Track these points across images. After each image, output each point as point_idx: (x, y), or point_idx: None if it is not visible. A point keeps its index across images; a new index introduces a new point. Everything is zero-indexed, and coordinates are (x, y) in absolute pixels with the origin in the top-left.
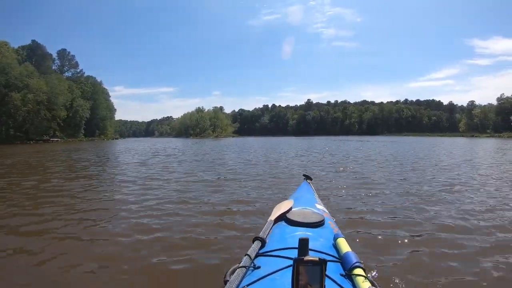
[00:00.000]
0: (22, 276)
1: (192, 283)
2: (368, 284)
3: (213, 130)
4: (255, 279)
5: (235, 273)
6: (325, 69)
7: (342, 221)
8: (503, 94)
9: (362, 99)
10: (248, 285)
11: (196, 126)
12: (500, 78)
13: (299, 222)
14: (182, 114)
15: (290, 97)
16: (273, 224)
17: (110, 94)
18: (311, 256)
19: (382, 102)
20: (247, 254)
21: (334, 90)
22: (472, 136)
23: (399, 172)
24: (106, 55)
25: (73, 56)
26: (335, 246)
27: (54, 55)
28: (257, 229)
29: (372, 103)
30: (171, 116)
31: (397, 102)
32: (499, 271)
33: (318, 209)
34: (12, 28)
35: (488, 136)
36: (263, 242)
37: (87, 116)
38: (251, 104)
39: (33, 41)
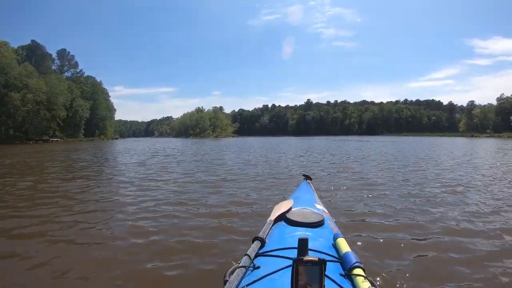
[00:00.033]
0: (14, 281)
1: None
2: (367, 284)
3: (212, 130)
4: (255, 279)
5: (235, 273)
6: (325, 69)
7: (344, 224)
8: (503, 94)
9: (362, 99)
10: (247, 285)
11: (196, 126)
12: (500, 78)
13: (299, 222)
14: (182, 114)
15: (290, 97)
16: (273, 224)
17: (110, 94)
18: (311, 256)
19: (382, 102)
20: (247, 254)
21: (334, 90)
22: (472, 136)
23: (400, 172)
24: (106, 55)
25: (73, 56)
26: (335, 246)
27: (54, 55)
28: (255, 232)
29: (372, 103)
30: (171, 116)
31: (397, 102)
32: (509, 277)
33: (318, 209)
34: (12, 28)
35: (488, 136)
36: (263, 242)
37: (86, 116)
38: (251, 104)
39: (33, 41)
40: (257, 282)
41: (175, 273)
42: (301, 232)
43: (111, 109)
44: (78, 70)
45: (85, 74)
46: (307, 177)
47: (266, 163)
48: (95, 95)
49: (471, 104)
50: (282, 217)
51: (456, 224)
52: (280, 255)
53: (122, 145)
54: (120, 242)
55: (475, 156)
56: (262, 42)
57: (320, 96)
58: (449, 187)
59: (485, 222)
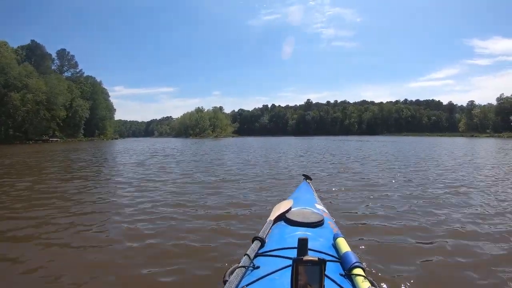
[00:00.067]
0: (8, 285)
1: None
2: (367, 284)
3: (212, 130)
4: (255, 279)
5: (235, 273)
6: (325, 69)
7: (345, 226)
8: (503, 94)
9: (361, 99)
10: (247, 285)
11: (195, 126)
12: (500, 78)
13: (299, 222)
14: (182, 114)
15: (290, 97)
16: (273, 224)
17: (110, 94)
18: (311, 256)
19: (381, 102)
20: (247, 254)
21: (334, 90)
22: (472, 136)
23: (401, 173)
24: (106, 55)
25: (73, 56)
26: (335, 246)
27: (54, 55)
28: (254, 234)
29: (372, 103)
30: (170, 116)
31: (397, 102)
32: None
33: (318, 209)
34: (12, 28)
35: (487, 136)
36: (263, 242)
37: (86, 116)
38: (251, 104)
39: (32, 41)
40: (257, 282)
41: (171, 279)
42: (301, 232)
43: (110, 109)
44: (78, 70)
45: (85, 74)
46: (307, 177)
47: (266, 163)
48: (94, 95)
49: (471, 104)
50: (282, 217)
51: (461, 227)
52: (280, 255)
53: (122, 145)
54: (116, 246)
55: (476, 156)
56: (262, 42)
57: (320, 96)
58: (452, 188)
59: (490, 224)
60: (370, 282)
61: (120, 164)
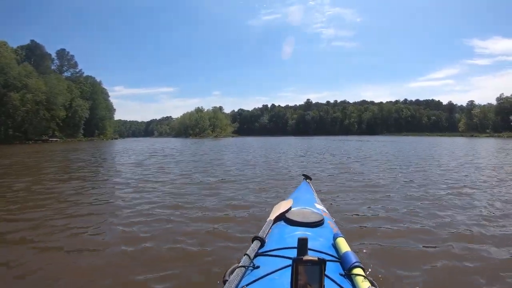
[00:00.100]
0: None
1: None
2: (367, 283)
3: (212, 130)
4: (254, 278)
5: (234, 273)
6: (325, 69)
7: (346, 229)
8: (503, 94)
9: (361, 99)
10: (247, 284)
11: (195, 126)
12: (500, 78)
13: (299, 221)
14: (182, 114)
15: (290, 97)
16: (273, 224)
17: (110, 94)
18: (310, 256)
19: (381, 102)
20: (246, 254)
21: (334, 90)
22: (472, 136)
23: (402, 173)
24: (106, 55)
25: (72, 56)
26: (335, 246)
27: (53, 55)
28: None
29: (372, 103)
30: (170, 116)
31: (397, 102)
32: None
33: (318, 209)
34: (11, 28)
35: (487, 136)
36: (262, 242)
37: (86, 116)
38: (251, 104)
39: (32, 41)
40: (256, 282)
41: (166, 286)
42: (301, 232)
43: (110, 109)
44: (77, 70)
45: (85, 74)
46: (306, 177)
47: (266, 163)
48: (94, 95)
49: (471, 104)
50: (282, 217)
51: (467, 229)
52: (280, 254)
53: (121, 145)
54: (112, 249)
55: (477, 156)
56: (262, 42)
57: (319, 96)
58: (455, 189)
59: (496, 226)
60: (370, 282)
61: (118, 164)
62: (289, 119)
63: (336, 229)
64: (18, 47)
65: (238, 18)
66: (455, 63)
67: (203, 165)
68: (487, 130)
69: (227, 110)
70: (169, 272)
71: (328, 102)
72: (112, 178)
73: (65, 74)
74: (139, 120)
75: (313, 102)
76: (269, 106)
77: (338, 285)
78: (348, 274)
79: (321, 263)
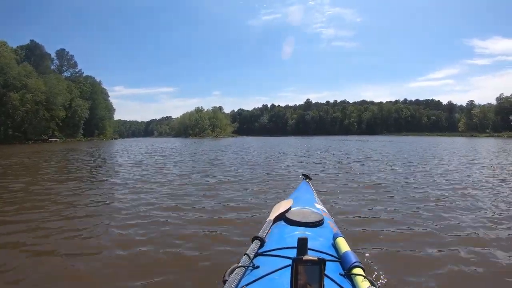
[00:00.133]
0: None
1: None
2: (367, 283)
3: (212, 130)
4: (254, 278)
5: (234, 273)
6: (325, 69)
7: (347, 232)
8: (502, 94)
9: (361, 99)
10: (247, 284)
11: (195, 126)
12: (500, 78)
13: (298, 221)
14: (182, 114)
15: (290, 97)
16: (272, 224)
17: (110, 94)
18: (310, 256)
19: (381, 102)
20: (246, 254)
21: (334, 90)
22: (472, 135)
23: (404, 173)
24: (105, 55)
25: (72, 56)
26: (334, 246)
27: (53, 55)
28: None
29: (372, 103)
30: (170, 116)
31: (397, 102)
32: None
33: (318, 209)
34: (11, 28)
35: (487, 136)
36: (262, 242)
37: (86, 116)
38: (251, 104)
39: (32, 41)
40: (256, 282)
41: None
42: (301, 232)
43: (110, 109)
44: (77, 70)
45: (84, 74)
46: (306, 177)
47: (265, 163)
48: (94, 95)
49: (471, 103)
50: (282, 217)
51: (472, 232)
52: (280, 254)
53: (121, 145)
54: (107, 253)
55: (478, 156)
56: (261, 42)
57: (319, 96)
58: (458, 190)
59: (502, 229)
60: (370, 282)
61: (117, 164)
62: (289, 119)
63: (336, 229)
64: (17, 47)
65: (238, 18)
66: (455, 63)
67: (202, 166)
68: (487, 130)
69: (227, 110)
70: (165, 277)
71: (328, 102)
72: (110, 178)
73: (65, 74)
74: (139, 120)
75: (313, 102)
76: (269, 106)
77: (338, 285)
78: (348, 274)
79: (321, 263)
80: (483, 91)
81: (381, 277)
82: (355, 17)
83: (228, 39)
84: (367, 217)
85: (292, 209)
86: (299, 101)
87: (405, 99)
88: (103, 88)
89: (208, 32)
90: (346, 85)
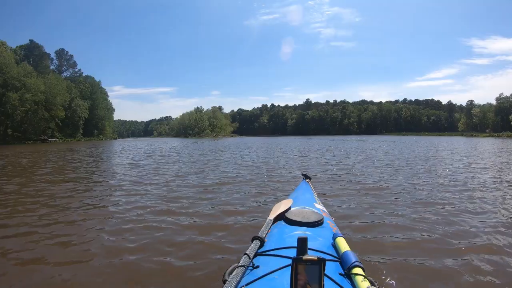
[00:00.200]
0: None
1: None
2: (367, 283)
3: (211, 130)
4: (254, 278)
5: (234, 273)
6: (324, 69)
7: (348, 237)
8: (502, 93)
9: (361, 99)
10: (247, 284)
11: (194, 126)
12: (499, 78)
13: (298, 221)
14: (181, 114)
15: (289, 97)
16: (272, 224)
17: (109, 94)
18: (310, 255)
19: (381, 102)
20: (246, 254)
21: (333, 90)
22: (472, 135)
23: (406, 174)
24: (105, 55)
25: (72, 55)
26: (334, 246)
27: (52, 55)
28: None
29: (371, 102)
30: (170, 116)
31: (396, 101)
32: None
33: (317, 209)
34: (10, 28)
35: (487, 136)
36: (262, 242)
37: (85, 116)
38: (250, 104)
39: (31, 40)
40: (256, 282)
41: None
42: (301, 232)
43: (109, 109)
44: (76, 70)
45: (84, 74)
46: (306, 177)
47: (264, 164)
48: (93, 95)
49: (470, 103)
50: (282, 217)
51: (485, 238)
52: (280, 254)
53: (120, 145)
54: (96, 262)
55: (480, 156)
56: (261, 42)
57: (319, 96)
58: (464, 191)
59: None
60: (369, 282)
61: (114, 165)
62: (289, 119)
63: (335, 229)
64: (17, 46)
65: (237, 18)
66: (454, 62)
67: (200, 166)
68: (487, 130)
69: (227, 110)
70: None
71: (327, 102)
72: (106, 180)
73: (64, 74)
74: (139, 120)
75: (313, 102)
76: (268, 106)
77: (338, 284)
78: (347, 274)
79: (321, 262)
80: (483, 91)
81: None
82: (354, 16)
83: (227, 39)
84: (371, 222)
85: (292, 209)
86: (299, 101)
87: (405, 99)
88: (103, 88)
89: (207, 32)
90: (345, 85)
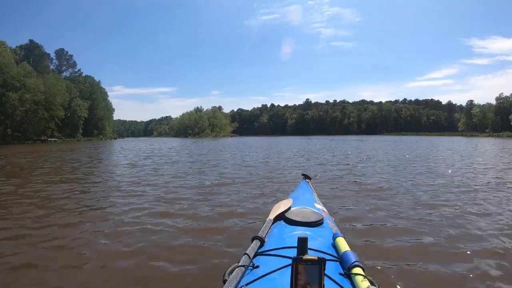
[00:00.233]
0: None
1: None
2: (367, 283)
3: (211, 130)
4: (254, 278)
5: (234, 272)
6: (324, 69)
7: (350, 242)
8: (502, 93)
9: (361, 99)
10: (247, 284)
11: (194, 126)
12: (499, 78)
13: (298, 221)
14: (181, 114)
15: (289, 96)
16: (272, 223)
17: (109, 93)
18: (310, 255)
19: (381, 102)
20: (246, 254)
21: (333, 89)
22: (471, 135)
23: (408, 175)
24: (105, 55)
25: (71, 55)
26: (334, 246)
27: (52, 55)
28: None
29: (371, 102)
30: (169, 116)
31: (396, 101)
32: None
33: (317, 209)
34: (10, 27)
35: (487, 136)
36: (262, 241)
37: (85, 116)
38: (250, 104)
39: (31, 40)
40: (256, 281)
41: None
42: (301, 232)
43: (109, 109)
44: (76, 70)
45: (84, 74)
46: (306, 177)
47: (264, 164)
48: (93, 95)
49: (470, 103)
50: (281, 216)
51: (494, 242)
52: (280, 254)
53: (120, 145)
54: (90, 267)
55: (482, 156)
56: (260, 42)
57: (319, 96)
58: (468, 193)
59: None
60: (369, 282)
61: (113, 165)
62: (289, 119)
63: (335, 229)
64: (17, 46)
65: (237, 18)
66: (454, 62)
67: (199, 166)
68: (487, 130)
69: (226, 110)
70: None
71: (327, 101)
72: (104, 180)
73: (64, 73)
74: (138, 120)
75: (313, 101)
76: (268, 106)
77: (338, 284)
78: (347, 274)
79: (321, 262)
80: (483, 91)
81: None
82: (354, 17)
83: (227, 39)
84: (372, 225)
85: (291, 208)
86: (299, 100)
87: (405, 99)
88: (103, 88)
89: (207, 32)
90: (345, 85)
